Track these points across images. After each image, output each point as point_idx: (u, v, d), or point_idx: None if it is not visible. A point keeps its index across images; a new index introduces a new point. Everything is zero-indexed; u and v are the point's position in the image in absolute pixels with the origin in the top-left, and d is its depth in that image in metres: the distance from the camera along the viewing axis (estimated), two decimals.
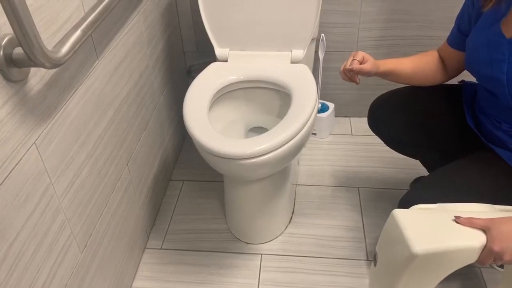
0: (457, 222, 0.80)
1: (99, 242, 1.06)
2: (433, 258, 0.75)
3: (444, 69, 1.14)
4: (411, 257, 0.74)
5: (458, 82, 1.18)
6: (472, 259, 0.78)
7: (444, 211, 0.83)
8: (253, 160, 1.05)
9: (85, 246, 0.99)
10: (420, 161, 1.34)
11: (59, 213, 0.87)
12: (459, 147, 1.13)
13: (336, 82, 1.78)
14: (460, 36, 1.06)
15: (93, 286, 1.03)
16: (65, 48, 0.76)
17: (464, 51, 1.04)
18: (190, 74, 1.77)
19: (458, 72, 1.13)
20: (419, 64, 1.13)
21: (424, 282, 0.80)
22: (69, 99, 0.90)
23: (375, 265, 0.88)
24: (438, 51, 1.14)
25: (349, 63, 1.09)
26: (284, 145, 1.07)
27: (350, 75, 1.11)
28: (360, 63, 1.09)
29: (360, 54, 1.10)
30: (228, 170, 1.12)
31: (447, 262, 0.77)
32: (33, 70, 0.77)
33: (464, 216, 0.80)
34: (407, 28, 1.62)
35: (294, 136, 1.09)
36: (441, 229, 0.78)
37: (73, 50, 0.78)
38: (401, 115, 1.17)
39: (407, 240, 0.75)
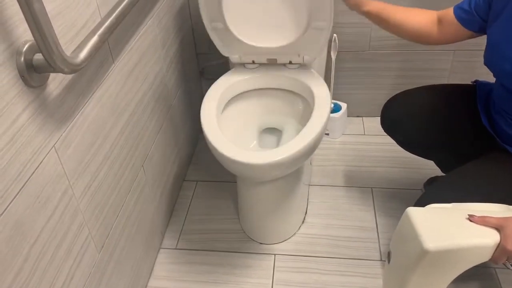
0: (471, 221, 0.80)
1: (116, 243, 1.08)
2: (445, 256, 0.75)
3: (438, 33, 1.09)
4: (423, 254, 0.74)
5: (472, 82, 1.17)
6: (485, 257, 0.78)
7: (458, 210, 0.83)
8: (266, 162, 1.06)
9: (102, 247, 1.01)
10: (434, 162, 1.34)
11: (77, 214, 0.89)
12: (473, 148, 1.12)
13: (349, 82, 1.78)
14: (472, 15, 1.02)
15: (110, 286, 1.05)
16: (83, 54, 0.78)
17: (470, 29, 1.03)
18: (203, 75, 1.79)
19: (450, 42, 1.09)
20: (410, 18, 1.10)
21: (436, 280, 0.80)
22: (86, 102, 0.92)
23: (388, 262, 0.88)
24: (438, 15, 1.10)
25: None
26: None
27: None
28: None
29: None
30: (241, 172, 1.13)
31: (459, 260, 0.77)
32: (52, 75, 0.79)
33: (478, 215, 0.80)
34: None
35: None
36: (454, 227, 0.78)
37: (91, 55, 0.79)
38: (414, 116, 1.17)
39: (419, 237, 0.75)
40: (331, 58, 1.66)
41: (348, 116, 1.84)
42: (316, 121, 1.16)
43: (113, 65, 1.04)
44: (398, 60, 1.70)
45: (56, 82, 0.81)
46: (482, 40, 1.09)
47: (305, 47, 1.29)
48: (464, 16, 1.04)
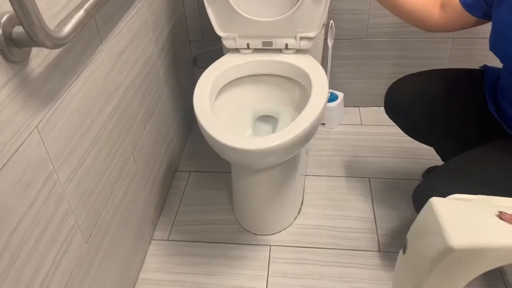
0: (501, 218, 0.74)
1: (105, 232, 1.03)
2: (470, 254, 0.69)
3: (439, 18, 1.05)
4: (446, 251, 0.68)
5: (480, 67, 1.13)
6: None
7: (486, 204, 0.77)
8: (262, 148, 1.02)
9: (90, 236, 0.96)
10: (435, 149, 1.30)
11: (62, 201, 0.85)
12: (478, 134, 1.09)
13: (346, 71, 1.74)
14: (477, 0, 0.98)
15: (98, 278, 1.01)
16: (67, 28, 0.73)
17: (473, 15, 0.99)
18: (196, 63, 1.74)
19: (451, 29, 1.05)
20: (419, 5, 1.05)
21: (455, 278, 0.74)
22: (72, 83, 0.87)
23: (404, 252, 0.83)
24: (442, 1, 1.05)
25: None
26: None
27: None
28: None
29: None
30: (236, 159, 1.09)
31: (485, 260, 0.71)
32: (34, 51, 0.74)
33: (509, 212, 0.74)
34: None
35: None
36: (482, 224, 0.72)
37: (76, 30, 0.74)
38: (419, 100, 1.13)
39: (443, 232, 0.68)
40: (328, 46, 1.62)
41: (344, 106, 1.80)
42: (314, 107, 1.12)
43: (101, 45, 0.99)
44: (396, 48, 1.66)
45: (39, 59, 0.76)
46: (482, 28, 1.05)
47: (302, 23, 1.25)
48: (468, 1, 1.00)
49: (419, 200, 0.91)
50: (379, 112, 1.78)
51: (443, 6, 1.05)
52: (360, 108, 1.83)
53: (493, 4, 0.95)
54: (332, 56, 1.66)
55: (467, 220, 0.72)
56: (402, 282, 0.83)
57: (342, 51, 1.69)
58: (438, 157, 1.34)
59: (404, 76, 1.19)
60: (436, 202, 0.73)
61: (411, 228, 0.80)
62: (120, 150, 1.10)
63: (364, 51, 1.68)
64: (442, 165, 1.05)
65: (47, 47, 0.68)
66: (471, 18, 1.01)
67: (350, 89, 1.79)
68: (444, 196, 0.76)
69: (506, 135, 1.01)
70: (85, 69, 0.92)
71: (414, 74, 1.18)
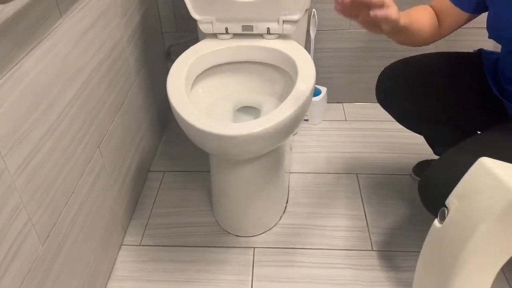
0: None
1: (65, 234, 0.90)
2: None
3: (438, 27, 0.95)
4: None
5: (474, 50, 1.06)
6: None
7: None
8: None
9: (48, 237, 0.83)
10: (426, 137, 1.22)
11: (12, 193, 0.71)
12: (478, 120, 1.01)
13: (328, 64, 1.66)
14: None
15: (58, 286, 0.87)
16: None
17: (467, 11, 0.91)
18: (170, 56, 1.62)
19: (450, 32, 0.96)
20: (422, 22, 0.93)
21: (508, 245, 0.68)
22: (25, 56, 0.75)
23: (441, 222, 0.74)
24: (432, 7, 0.96)
25: None
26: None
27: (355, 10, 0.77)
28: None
29: None
30: (216, 148, 0.98)
31: None
32: None
33: None
34: (405, 3, 1.51)
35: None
36: None
37: None
38: (413, 84, 1.05)
39: (508, 186, 0.63)
40: (310, 36, 1.54)
41: (328, 102, 1.71)
42: (301, 91, 1.02)
43: (61, 19, 0.87)
44: (380, 39, 1.59)
45: None
46: None
47: (286, 4, 1.15)
48: None
49: (428, 186, 0.82)
50: (364, 108, 1.71)
51: (437, 14, 0.96)
52: (344, 104, 1.75)
53: None
54: (314, 48, 1.57)
55: None
56: (438, 258, 0.74)
57: (325, 43, 1.61)
58: (427, 152, 1.27)
59: (397, 60, 1.11)
60: (488, 161, 0.68)
61: (454, 191, 0.72)
62: (84, 141, 0.98)
63: (348, 43, 1.61)
64: (457, 145, 0.93)
65: None
66: (465, 15, 0.92)
67: (333, 84, 1.71)
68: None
69: (506, 118, 0.94)
70: (41, 43, 0.79)
71: (407, 58, 1.10)
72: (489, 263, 0.69)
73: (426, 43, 0.96)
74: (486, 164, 0.68)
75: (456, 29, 0.96)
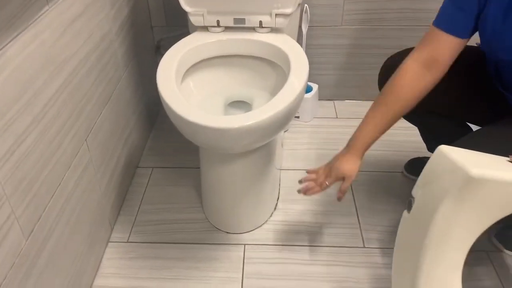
0: None
1: (51, 229, 0.87)
2: (488, 190, 0.66)
3: (431, 75, 0.91)
4: (465, 182, 0.65)
5: (477, 44, 1.05)
6: None
7: (494, 155, 0.72)
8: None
9: (32, 232, 0.80)
10: (423, 129, 1.21)
11: None
12: (478, 111, 1.01)
13: (320, 61, 1.65)
14: (461, 16, 0.87)
15: (42, 282, 0.84)
16: None
17: (461, 37, 0.88)
18: (159, 51, 1.59)
19: (451, 62, 0.91)
20: (404, 92, 0.93)
21: (471, 223, 0.70)
22: (8, 43, 0.72)
23: (409, 211, 0.77)
24: (421, 50, 0.91)
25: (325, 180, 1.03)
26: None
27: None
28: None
29: (333, 175, 1.03)
30: (207, 141, 0.96)
31: (502, 199, 0.67)
32: None
33: None
34: (395, 0, 1.51)
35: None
36: (496, 164, 0.69)
37: None
38: None
39: (461, 166, 0.66)
40: (302, 32, 1.52)
41: (319, 99, 1.70)
42: (294, 83, 1.01)
43: (48, 7, 0.84)
44: (372, 36, 1.58)
45: None
46: None
47: None
48: (457, 23, 0.88)
49: None
50: (355, 105, 1.70)
51: (432, 60, 0.91)
52: (335, 101, 1.74)
53: (471, 10, 0.85)
54: (306, 44, 1.56)
55: (480, 160, 0.71)
56: (409, 244, 0.78)
57: (316, 40, 1.60)
58: (418, 149, 1.26)
59: (401, 50, 1.09)
60: (445, 148, 0.72)
61: (418, 181, 0.76)
62: (71, 133, 0.95)
63: (339, 39, 1.60)
64: (462, 138, 0.91)
65: None
66: (458, 40, 0.89)
67: (324, 81, 1.69)
68: None
69: (508, 112, 0.94)
70: (25, 30, 0.77)
71: (411, 48, 1.09)
72: (457, 243, 0.71)
73: (428, 90, 0.93)
74: (443, 151, 0.71)
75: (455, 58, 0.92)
